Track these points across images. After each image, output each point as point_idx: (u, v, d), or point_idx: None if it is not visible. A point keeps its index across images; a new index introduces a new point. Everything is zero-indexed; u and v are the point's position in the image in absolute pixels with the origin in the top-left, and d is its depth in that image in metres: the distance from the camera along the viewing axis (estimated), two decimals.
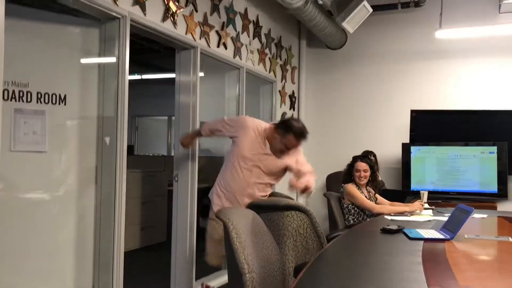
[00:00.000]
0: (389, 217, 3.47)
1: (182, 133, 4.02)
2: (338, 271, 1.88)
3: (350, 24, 5.32)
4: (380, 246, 2.44)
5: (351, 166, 4.22)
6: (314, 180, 3.42)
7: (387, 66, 6.34)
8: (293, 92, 6.46)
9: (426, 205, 4.17)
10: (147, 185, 6.30)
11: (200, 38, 4.19)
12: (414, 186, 5.72)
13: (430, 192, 4.77)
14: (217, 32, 4.47)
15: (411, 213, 3.72)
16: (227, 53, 4.65)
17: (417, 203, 3.91)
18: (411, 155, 5.80)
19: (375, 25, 6.24)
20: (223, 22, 4.56)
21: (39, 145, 2.90)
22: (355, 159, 4.26)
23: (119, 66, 3.27)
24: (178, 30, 3.87)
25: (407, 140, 5.93)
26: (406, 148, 5.84)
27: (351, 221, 4.05)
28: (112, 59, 3.29)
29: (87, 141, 3.23)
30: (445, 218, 2.91)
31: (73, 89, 3.11)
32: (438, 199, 5.30)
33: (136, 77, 8.90)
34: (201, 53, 4.18)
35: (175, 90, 4.23)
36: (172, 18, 3.78)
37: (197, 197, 4.20)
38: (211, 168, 3.83)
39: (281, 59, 6.01)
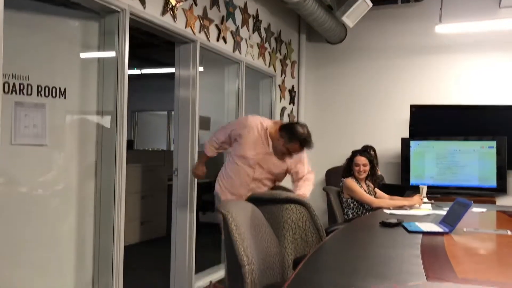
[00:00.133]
0: (388, 211, 3.47)
1: (192, 166, 3.94)
2: (337, 264, 1.88)
3: (350, 18, 5.31)
4: (379, 239, 2.44)
5: (350, 161, 4.23)
6: (309, 188, 3.51)
7: (387, 61, 6.34)
8: (292, 87, 6.46)
9: (425, 200, 4.18)
10: (146, 180, 6.31)
11: (199, 32, 4.18)
12: (413, 180, 5.72)
13: (429, 187, 4.78)
14: (216, 26, 4.46)
15: (410, 207, 3.73)
16: (226, 47, 4.64)
17: (416, 197, 3.92)
18: (411, 149, 5.81)
19: (375, 20, 6.23)
20: (223, 16, 4.55)
21: (40, 138, 2.90)
22: (355, 153, 4.26)
23: (118, 60, 3.26)
24: (177, 24, 3.86)
25: (406, 135, 5.93)
26: (405, 143, 5.84)
27: (350, 215, 4.06)
28: (112, 53, 3.28)
29: (87, 135, 3.23)
30: (444, 212, 2.92)
31: (73, 82, 3.11)
32: (437, 193, 5.31)
33: (136, 71, 8.89)
34: (200, 47, 4.17)
35: (174, 84, 4.22)
36: (171, 12, 3.77)
37: (197, 192, 4.20)
38: (211, 162, 3.83)
39: (280, 54, 6.00)
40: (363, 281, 1.53)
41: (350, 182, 4.08)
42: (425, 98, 6.03)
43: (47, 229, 2.99)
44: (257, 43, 5.32)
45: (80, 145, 3.19)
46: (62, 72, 3.04)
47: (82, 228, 3.21)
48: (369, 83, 6.42)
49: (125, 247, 3.33)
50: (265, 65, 5.55)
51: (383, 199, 4.07)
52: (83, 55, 3.24)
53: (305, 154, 3.58)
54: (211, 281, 4.10)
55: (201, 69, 4.25)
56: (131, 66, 3.41)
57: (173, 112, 4.43)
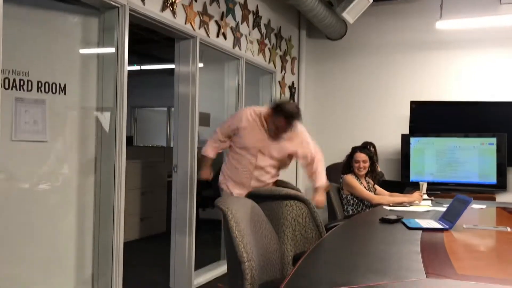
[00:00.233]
0: (388, 208, 3.48)
1: (200, 171, 3.84)
2: (336, 260, 1.88)
3: (350, 14, 5.30)
4: (379, 236, 2.44)
5: (350, 157, 4.23)
6: (323, 174, 3.60)
7: (387, 57, 6.33)
8: (292, 83, 6.45)
9: (425, 196, 4.18)
10: (146, 176, 6.31)
11: (199, 28, 4.17)
12: (413, 177, 5.72)
13: (429, 183, 4.78)
14: (216, 22, 4.45)
15: (410, 203, 3.73)
16: (226, 43, 4.63)
17: (416, 194, 3.92)
18: (411, 146, 5.80)
19: (375, 16, 6.22)
20: (223, 12, 4.54)
21: (40, 134, 2.89)
22: (355, 150, 4.26)
23: (118, 56, 3.26)
24: (177, 20, 3.85)
25: (406, 131, 5.93)
26: (405, 139, 5.84)
27: (350, 212, 4.06)
28: (111, 49, 3.28)
29: (86, 131, 3.23)
30: (443, 209, 2.92)
31: (72, 78, 3.10)
32: (437, 190, 5.31)
33: (135, 67, 8.87)
34: (200, 43, 4.16)
35: (174, 80, 4.22)
36: (171, 8, 3.76)
37: (197, 188, 4.20)
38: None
39: (280, 50, 6.00)
40: (363, 278, 1.53)
41: (350, 178, 4.09)
42: (425, 95, 6.03)
43: (47, 225, 2.99)
44: (257, 39, 5.31)
45: (79, 141, 3.19)
46: (62, 68, 3.04)
47: (82, 224, 3.21)
48: (369, 79, 6.41)
49: (124, 243, 3.33)
50: (265, 61, 5.54)
51: (383, 196, 4.07)
52: (83, 51, 3.24)
53: (306, 134, 3.62)
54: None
55: (201, 65, 4.24)
56: (130, 62, 3.40)
57: (172, 108, 4.43)
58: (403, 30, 6.25)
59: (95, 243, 3.28)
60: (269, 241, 2.17)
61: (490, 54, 5.89)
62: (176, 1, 3.79)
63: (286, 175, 3.82)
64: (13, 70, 2.70)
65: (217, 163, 3.90)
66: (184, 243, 4.13)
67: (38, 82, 2.85)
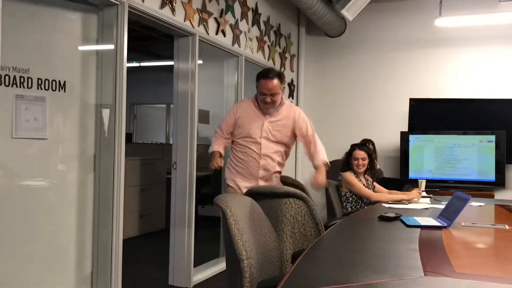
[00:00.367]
0: (386, 205, 3.48)
1: (210, 163, 3.69)
2: (335, 258, 1.89)
3: (350, 11, 5.29)
4: (378, 233, 2.45)
5: (349, 154, 4.23)
6: (322, 153, 3.63)
7: (387, 54, 6.33)
8: (292, 80, 6.45)
9: (424, 194, 4.18)
10: (145, 173, 6.32)
11: (198, 25, 4.17)
12: (412, 174, 5.73)
13: (428, 181, 4.78)
14: (215, 19, 4.44)
15: (409, 201, 3.74)
16: (225, 41, 4.63)
17: (415, 191, 3.93)
18: (410, 143, 5.81)
19: (374, 13, 6.22)
20: (222, 9, 4.53)
21: (40, 132, 2.89)
22: (354, 147, 4.26)
23: (117, 53, 3.26)
24: (176, 17, 3.85)
25: (405, 129, 5.93)
26: (404, 137, 5.85)
27: (349, 209, 4.07)
28: (110, 46, 3.28)
29: (86, 128, 3.23)
30: (442, 206, 2.92)
31: (72, 75, 3.10)
32: (436, 187, 5.32)
33: (135, 64, 8.87)
34: (199, 40, 4.16)
35: (173, 77, 4.21)
36: (170, 5, 3.76)
37: (196, 185, 4.21)
38: (209, 156, 3.83)
39: (280, 47, 5.99)
40: (362, 276, 1.54)
41: (349, 176, 4.09)
42: (424, 92, 6.03)
43: (47, 222, 3.00)
44: (256, 37, 5.31)
45: (79, 139, 3.19)
46: (61, 65, 3.04)
47: (81, 221, 3.22)
48: (369, 76, 6.41)
49: (124, 240, 3.34)
50: (265, 58, 5.54)
51: (381, 193, 4.08)
52: (82, 48, 3.24)
53: (302, 112, 3.66)
54: None
55: (200, 62, 4.24)
56: (130, 59, 3.40)
57: (172, 105, 4.43)
58: (402, 27, 6.24)
59: (95, 239, 3.28)
60: (268, 239, 2.18)
61: (490, 51, 5.89)
62: None
63: (285, 169, 3.82)
64: (13, 67, 2.70)
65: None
66: (183, 240, 4.14)
67: (38, 79, 2.85)
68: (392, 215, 2.70)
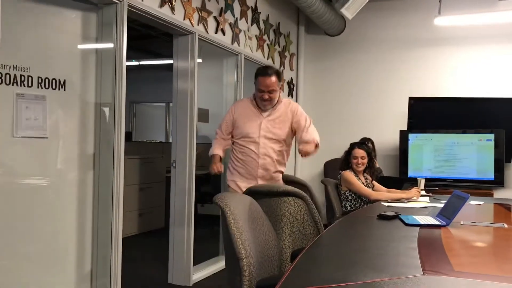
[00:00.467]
0: (386, 204, 3.48)
1: (210, 166, 3.73)
2: (334, 256, 1.89)
3: (349, 10, 5.29)
4: (377, 232, 2.45)
5: (348, 153, 4.23)
6: (311, 133, 3.51)
7: (386, 53, 6.33)
8: (291, 79, 6.45)
9: (423, 192, 4.19)
10: (145, 172, 6.32)
11: (198, 24, 4.17)
12: (411, 173, 5.74)
13: (427, 179, 4.79)
14: (215, 18, 4.44)
15: (408, 200, 3.74)
16: (225, 39, 4.63)
17: (414, 190, 3.93)
18: (409, 142, 5.81)
19: (374, 12, 6.22)
20: (221, 8, 4.53)
21: (41, 131, 2.89)
22: (353, 146, 4.26)
23: (116, 51, 3.26)
24: (176, 16, 3.85)
25: (405, 127, 5.94)
26: (403, 135, 5.85)
27: (348, 208, 4.08)
28: (110, 45, 3.28)
29: (85, 127, 3.23)
30: (441, 205, 2.93)
31: (71, 74, 3.10)
32: (435, 186, 5.33)
33: (134, 63, 8.86)
34: (199, 39, 4.16)
35: (172, 76, 4.21)
36: (169, 4, 3.76)
37: (195, 184, 4.21)
38: (210, 158, 3.84)
39: (279, 46, 5.99)
40: (361, 274, 1.54)
41: (348, 174, 4.09)
42: (424, 91, 6.03)
43: (46, 221, 3.00)
44: (256, 35, 5.31)
45: (79, 137, 3.19)
46: (61, 63, 3.03)
47: (81, 220, 3.22)
48: (368, 75, 6.41)
49: (123, 238, 3.35)
50: (264, 57, 5.54)
51: (381, 192, 4.08)
52: (81, 46, 3.23)
53: (300, 107, 3.66)
54: None
55: (199, 61, 4.24)
56: (129, 58, 3.40)
57: (171, 104, 4.43)
58: (402, 26, 6.25)
59: (94, 238, 3.28)
60: (267, 237, 2.18)
61: (489, 50, 5.89)
62: None
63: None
64: (13, 66, 2.69)
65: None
66: (182, 238, 4.14)
67: (38, 77, 2.84)
68: (391, 213, 2.71)
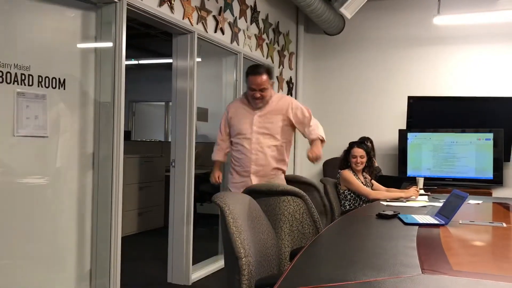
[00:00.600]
0: (384, 203, 3.49)
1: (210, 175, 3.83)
2: (333, 255, 1.90)
3: (348, 10, 5.29)
4: (376, 231, 2.46)
5: (347, 152, 4.24)
6: (318, 130, 3.57)
7: (385, 52, 6.33)
8: (290, 78, 6.45)
9: (422, 191, 4.19)
10: (144, 171, 6.32)
11: (197, 23, 4.17)
12: (410, 172, 5.75)
13: (426, 179, 4.80)
14: (214, 17, 4.44)
15: (407, 199, 3.75)
16: (224, 38, 4.63)
17: (413, 189, 3.94)
18: (408, 141, 5.82)
19: (373, 11, 6.22)
20: (221, 7, 4.53)
21: (41, 130, 2.89)
22: (352, 145, 4.27)
23: (115, 50, 3.26)
24: (175, 15, 3.85)
25: (404, 127, 5.94)
26: (402, 135, 5.86)
27: (347, 207, 4.08)
28: (109, 44, 3.28)
29: (85, 126, 3.23)
30: (440, 204, 2.93)
31: (71, 73, 3.10)
32: (434, 185, 5.34)
33: (133, 62, 8.86)
34: (198, 38, 4.16)
35: (172, 75, 4.21)
36: (169, 3, 3.76)
37: (194, 183, 4.21)
38: (208, 153, 3.84)
39: (278, 45, 5.99)
40: (360, 273, 1.54)
41: (347, 173, 4.10)
42: (423, 90, 6.04)
43: (46, 220, 3.00)
44: (255, 34, 5.30)
45: (78, 136, 3.19)
46: (61, 62, 3.03)
47: (80, 219, 3.22)
48: (367, 74, 6.42)
49: (122, 237, 3.35)
50: (263, 56, 5.54)
51: (379, 191, 4.09)
52: (81, 45, 3.23)
53: (295, 101, 3.65)
54: None
55: (198, 60, 4.24)
56: (128, 57, 3.40)
57: (170, 103, 4.43)
58: (401, 25, 6.25)
59: (93, 237, 3.28)
60: (266, 236, 2.18)
61: (488, 49, 5.90)
62: None
63: None
64: (14, 64, 2.69)
65: (212, 152, 3.91)
66: (182, 237, 4.14)
67: (38, 76, 2.84)
68: (390, 213, 2.71)
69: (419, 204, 3.44)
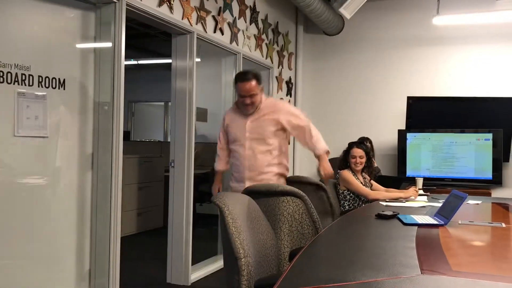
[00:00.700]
0: (384, 203, 3.49)
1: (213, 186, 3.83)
2: (332, 256, 1.90)
3: (348, 10, 5.29)
4: (375, 231, 2.46)
5: (347, 152, 4.24)
6: (321, 143, 3.54)
7: (384, 53, 6.34)
8: (290, 78, 6.45)
9: (421, 192, 4.20)
10: (143, 171, 6.32)
11: (196, 23, 4.17)
12: (409, 172, 5.75)
13: (425, 179, 4.81)
14: (213, 17, 4.44)
15: (406, 199, 3.75)
16: (223, 39, 4.63)
17: (412, 189, 3.94)
18: (407, 141, 5.82)
19: (372, 11, 6.22)
20: (220, 7, 4.53)
21: (42, 130, 2.89)
22: (351, 145, 4.27)
23: (115, 51, 3.26)
24: (174, 15, 3.85)
25: (403, 127, 5.95)
26: (402, 135, 5.86)
27: (347, 207, 4.08)
28: (108, 44, 3.27)
29: (84, 126, 3.22)
30: (439, 204, 2.93)
31: (71, 73, 3.10)
32: (433, 185, 5.34)
33: (132, 62, 8.86)
34: (197, 38, 4.16)
35: (171, 75, 4.21)
36: (168, 3, 3.76)
37: (194, 183, 4.21)
38: (207, 154, 3.84)
39: (278, 45, 5.99)
40: (359, 274, 1.54)
41: (347, 174, 4.10)
42: (422, 90, 6.04)
43: (45, 220, 2.99)
44: (254, 35, 5.31)
45: (77, 137, 3.19)
46: (61, 62, 3.03)
47: (80, 219, 3.22)
48: (366, 74, 6.42)
49: (122, 237, 3.34)
50: (262, 56, 5.54)
51: (379, 191, 4.09)
52: (80, 45, 3.23)
53: (287, 105, 3.65)
54: None
55: (198, 60, 4.24)
56: (127, 57, 3.40)
57: (170, 103, 4.43)
58: (400, 25, 6.25)
59: (93, 237, 3.28)
60: (266, 237, 2.18)
61: (487, 50, 5.90)
62: None
63: None
64: (15, 64, 2.69)
65: (211, 152, 3.91)
66: (181, 237, 4.14)
67: (39, 76, 2.84)
68: (389, 213, 2.71)
69: (418, 205, 3.44)
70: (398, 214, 2.71)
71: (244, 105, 3.46)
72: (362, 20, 6.26)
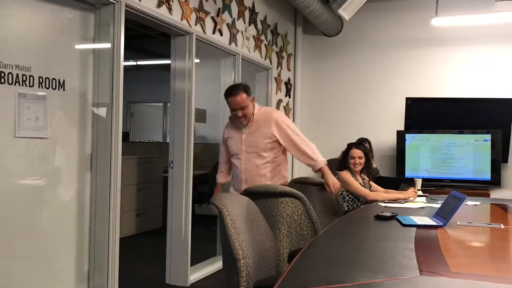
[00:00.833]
0: (383, 204, 3.49)
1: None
2: (331, 257, 1.90)
3: (346, 11, 5.30)
4: (374, 233, 2.46)
5: (345, 153, 4.24)
6: (331, 174, 3.55)
7: (383, 54, 6.34)
8: (288, 79, 6.46)
9: (420, 193, 4.20)
10: (142, 172, 6.32)
11: (195, 24, 4.17)
12: (408, 173, 5.75)
13: (424, 180, 4.80)
14: (212, 18, 4.44)
15: (405, 200, 3.75)
16: (222, 40, 4.63)
17: (410, 191, 3.94)
18: (406, 142, 5.83)
19: (371, 12, 6.23)
20: (219, 8, 4.53)
21: (42, 131, 2.89)
22: (350, 146, 4.27)
23: (114, 51, 3.26)
24: (173, 16, 3.85)
25: (402, 128, 5.95)
26: (400, 136, 5.87)
27: (346, 208, 4.08)
28: (107, 45, 3.28)
29: (83, 127, 3.23)
30: (438, 205, 2.94)
31: (71, 74, 3.10)
32: (432, 186, 5.35)
33: (131, 63, 8.85)
34: (196, 39, 4.16)
35: (170, 76, 4.21)
36: (167, 4, 3.76)
37: (193, 184, 4.21)
38: (206, 154, 3.84)
39: (277, 46, 6.00)
40: (358, 275, 1.54)
41: (345, 175, 4.10)
42: (420, 91, 6.05)
43: (45, 221, 2.99)
44: (253, 36, 5.31)
45: (77, 137, 3.19)
46: (60, 63, 3.03)
47: (79, 220, 3.22)
48: (365, 75, 6.42)
49: (121, 238, 3.35)
50: (261, 57, 5.54)
51: (378, 192, 4.09)
52: (79, 46, 3.23)
53: (283, 118, 3.53)
54: None
55: (197, 61, 4.24)
56: (126, 58, 3.40)
57: (169, 104, 4.43)
58: (399, 26, 6.26)
59: (92, 238, 3.28)
60: (265, 238, 2.18)
61: (485, 51, 5.91)
62: None
63: None
64: (16, 65, 2.69)
65: (210, 153, 3.91)
66: (180, 238, 4.14)
67: (39, 77, 2.84)
68: (388, 214, 2.71)
69: (417, 205, 3.44)
70: (397, 215, 2.71)
71: (237, 117, 3.47)
72: (361, 21, 6.27)
